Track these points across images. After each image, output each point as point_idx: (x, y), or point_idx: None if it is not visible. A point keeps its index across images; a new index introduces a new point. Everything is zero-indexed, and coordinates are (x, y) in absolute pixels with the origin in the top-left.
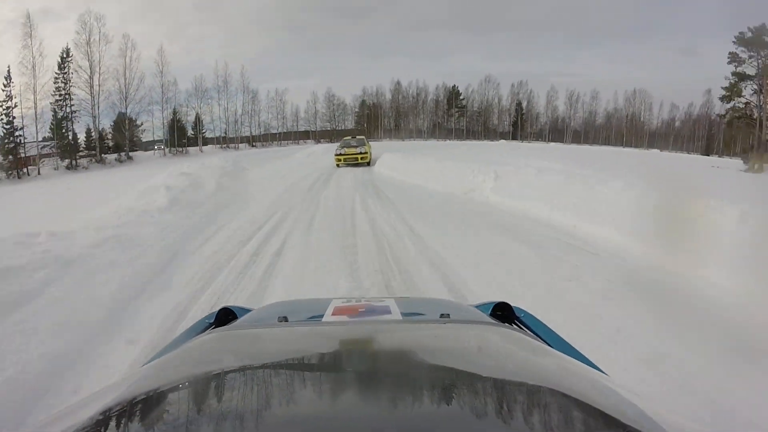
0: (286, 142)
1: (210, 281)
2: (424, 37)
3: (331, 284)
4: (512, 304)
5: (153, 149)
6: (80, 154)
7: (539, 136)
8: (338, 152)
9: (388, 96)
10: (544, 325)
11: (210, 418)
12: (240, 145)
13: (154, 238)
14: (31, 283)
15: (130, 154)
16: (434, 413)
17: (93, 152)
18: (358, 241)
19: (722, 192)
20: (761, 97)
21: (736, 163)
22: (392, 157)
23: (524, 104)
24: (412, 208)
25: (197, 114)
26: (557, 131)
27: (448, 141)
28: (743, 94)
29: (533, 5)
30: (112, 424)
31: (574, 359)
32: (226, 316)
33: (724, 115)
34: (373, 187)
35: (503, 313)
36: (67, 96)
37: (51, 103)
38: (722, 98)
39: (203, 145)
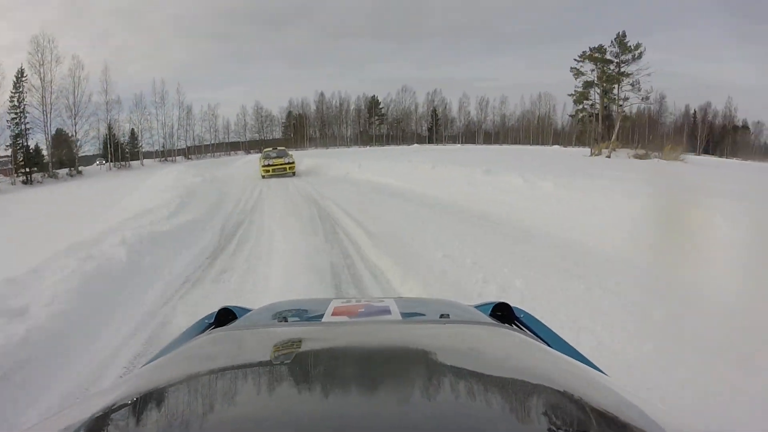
0: (218, 153)
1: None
2: (346, 46)
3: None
4: (512, 305)
5: (96, 163)
6: (34, 169)
7: (454, 139)
8: (265, 163)
9: (313, 107)
10: (544, 325)
11: (210, 418)
12: (177, 157)
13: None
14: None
15: (79, 168)
16: (434, 413)
17: (38, 168)
18: (289, 188)
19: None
20: (599, 101)
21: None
22: (310, 160)
23: (439, 110)
24: (318, 180)
25: (133, 129)
26: (470, 134)
27: (368, 147)
28: (590, 97)
29: (450, 13)
30: (113, 423)
31: (573, 359)
32: (225, 317)
33: (575, 115)
34: (297, 171)
35: (503, 313)
36: (21, 113)
37: (7, 121)
38: (574, 101)
39: (139, 159)
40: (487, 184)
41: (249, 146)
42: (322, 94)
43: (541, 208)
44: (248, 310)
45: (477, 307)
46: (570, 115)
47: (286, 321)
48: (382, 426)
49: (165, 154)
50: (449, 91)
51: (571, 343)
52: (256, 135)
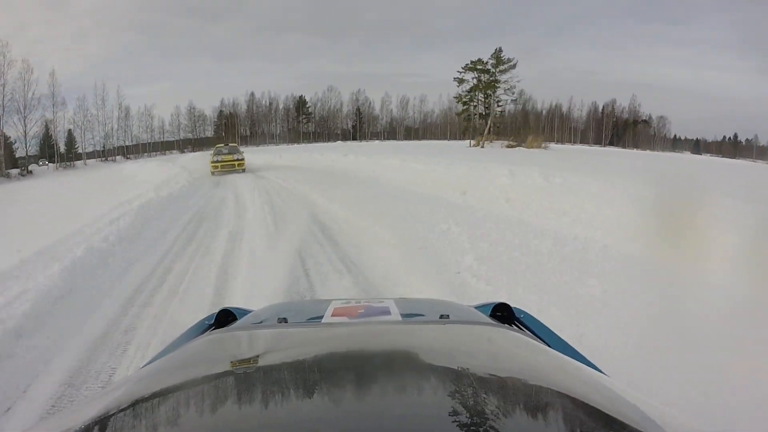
0: (154, 153)
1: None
2: (275, 41)
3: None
4: (512, 305)
5: (39, 164)
6: None
7: (378, 135)
8: (215, 159)
9: (244, 107)
10: (544, 325)
11: (211, 419)
12: (117, 157)
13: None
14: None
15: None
16: (434, 414)
17: None
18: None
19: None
20: (477, 103)
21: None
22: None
23: (363, 109)
24: (251, 168)
25: (70, 129)
26: (392, 131)
27: (296, 144)
28: (474, 99)
29: (379, 10)
30: (113, 425)
31: (573, 360)
32: (225, 318)
33: (460, 113)
34: None
35: (503, 314)
36: None
37: None
38: (458, 102)
39: (82, 159)
40: (364, 163)
41: (182, 145)
42: (252, 94)
43: (402, 174)
44: (248, 312)
45: (477, 307)
46: (456, 114)
47: (286, 322)
48: (383, 426)
49: (105, 154)
50: (376, 85)
51: (569, 341)
52: (189, 134)
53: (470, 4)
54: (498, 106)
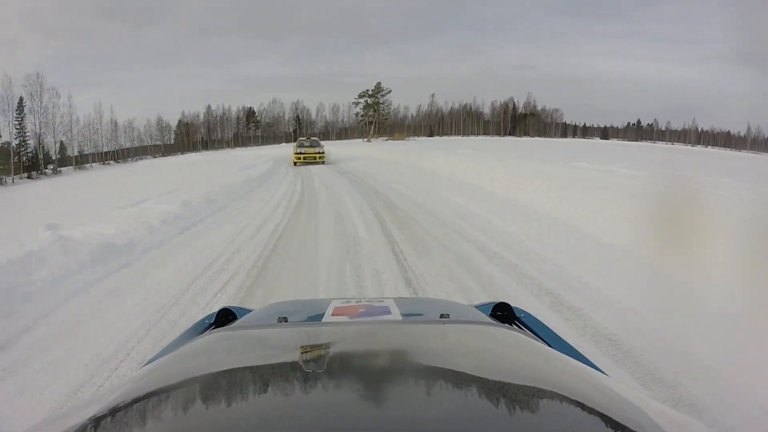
0: (136, 157)
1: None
2: (211, 44)
3: None
4: (512, 305)
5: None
6: None
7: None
8: (298, 151)
9: (202, 117)
10: (545, 325)
11: (211, 418)
12: (93, 164)
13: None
14: None
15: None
16: (435, 414)
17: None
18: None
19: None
20: (369, 113)
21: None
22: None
23: (302, 116)
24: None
25: (62, 141)
26: (327, 133)
27: (247, 147)
28: (367, 114)
29: (317, 12)
30: (113, 425)
31: (574, 360)
32: (225, 317)
33: (360, 122)
34: None
35: (503, 313)
36: None
37: None
38: (356, 115)
39: (72, 164)
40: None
41: (154, 150)
42: (209, 106)
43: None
44: (248, 311)
45: (477, 307)
46: (358, 122)
47: (286, 321)
48: (383, 426)
49: (85, 160)
50: (316, 86)
51: (569, 341)
52: (157, 141)
53: (402, 7)
54: (383, 117)
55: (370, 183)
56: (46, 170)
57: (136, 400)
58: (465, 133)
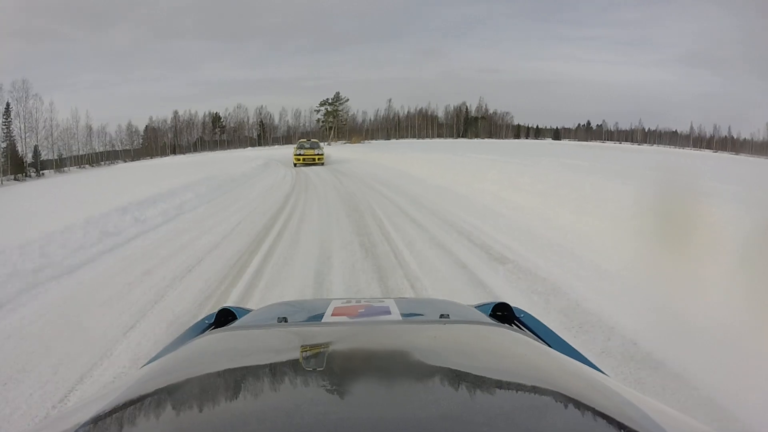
0: (107, 162)
1: None
2: (174, 47)
3: None
4: (512, 305)
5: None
6: None
7: (277, 141)
8: (297, 153)
9: (169, 122)
10: (544, 325)
11: (210, 419)
12: (71, 168)
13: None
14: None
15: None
16: (434, 414)
17: None
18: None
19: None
20: (329, 119)
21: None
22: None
23: (266, 121)
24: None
25: (36, 146)
26: (290, 137)
27: (215, 150)
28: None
29: (278, 16)
30: (112, 425)
31: (574, 360)
32: (225, 317)
33: (321, 128)
34: None
35: (503, 313)
36: None
37: None
38: (317, 121)
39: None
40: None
41: (124, 155)
42: (176, 112)
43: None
44: (248, 311)
45: (477, 307)
46: (319, 127)
47: (286, 321)
48: (383, 426)
49: (65, 163)
50: (279, 89)
51: (569, 342)
52: (127, 146)
53: (365, 11)
54: (342, 122)
55: (331, 165)
56: (30, 173)
57: (136, 400)
58: (420, 136)
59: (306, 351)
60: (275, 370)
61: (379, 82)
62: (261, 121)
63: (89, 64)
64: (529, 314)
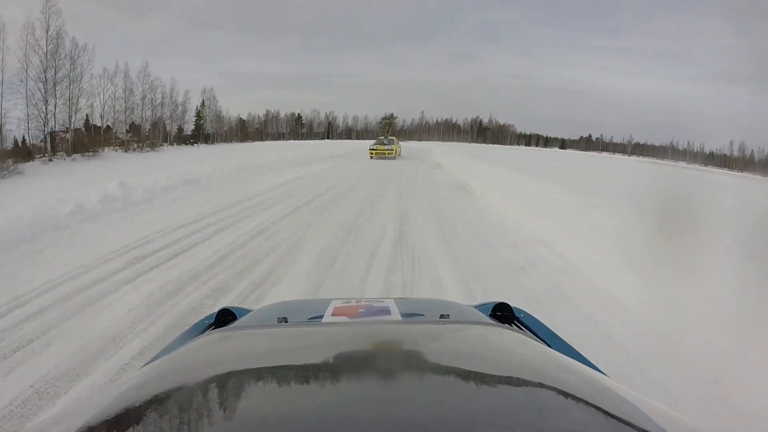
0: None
1: None
2: (206, 38)
3: None
4: (512, 305)
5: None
6: None
7: (340, 136)
8: (372, 147)
9: (262, 116)
10: (544, 325)
11: (210, 419)
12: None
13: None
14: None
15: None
16: (434, 414)
17: None
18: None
19: None
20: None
21: None
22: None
23: (332, 122)
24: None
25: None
26: (349, 133)
27: (298, 141)
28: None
29: (311, 11)
30: (112, 425)
31: (573, 360)
32: (225, 317)
33: (381, 129)
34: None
35: (503, 313)
36: None
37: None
38: (378, 124)
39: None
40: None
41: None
42: (267, 111)
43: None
44: (248, 311)
45: (477, 307)
46: (379, 129)
47: (286, 321)
48: (383, 427)
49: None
50: (313, 84)
51: (569, 342)
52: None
53: (398, 11)
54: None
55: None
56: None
57: (136, 400)
58: (443, 139)
59: (306, 351)
60: (275, 370)
61: (411, 83)
62: (329, 122)
63: (126, 49)
64: (529, 314)
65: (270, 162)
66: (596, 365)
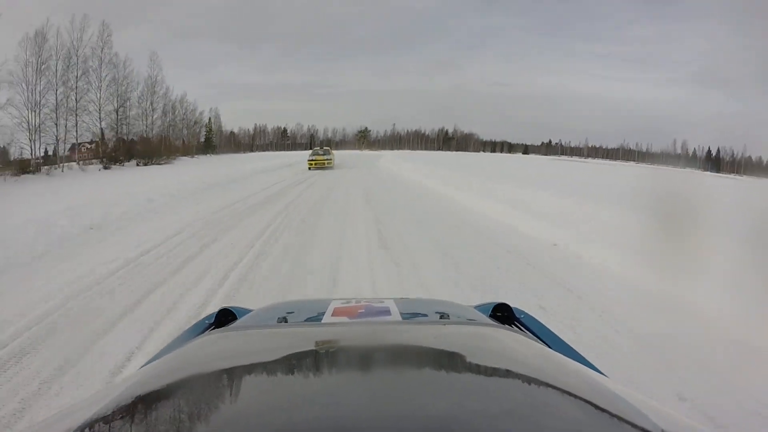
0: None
1: None
2: (189, 48)
3: None
4: (512, 306)
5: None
6: None
7: (321, 146)
8: (310, 158)
9: (251, 130)
10: (544, 326)
11: (210, 419)
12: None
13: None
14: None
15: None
16: (434, 414)
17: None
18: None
19: None
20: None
21: None
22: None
23: (313, 133)
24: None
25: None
26: (329, 143)
27: (284, 150)
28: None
29: (292, 21)
30: (111, 425)
31: (573, 360)
32: (225, 317)
33: (358, 140)
34: None
35: (503, 314)
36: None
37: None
38: (355, 136)
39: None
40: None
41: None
42: (255, 124)
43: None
44: (248, 311)
45: (477, 307)
46: (355, 139)
47: (286, 321)
48: (383, 426)
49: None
50: (293, 95)
51: (570, 343)
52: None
53: (377, 21)
54: (367, 139)
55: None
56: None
57: (136, 401)
58: (413, 148)
59: (306, 351)
60: (275, 371)
61: (389, 92)
62: (311, 134)
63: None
64: (529, 315)
65: (274, 158)
66: (596, 366)
